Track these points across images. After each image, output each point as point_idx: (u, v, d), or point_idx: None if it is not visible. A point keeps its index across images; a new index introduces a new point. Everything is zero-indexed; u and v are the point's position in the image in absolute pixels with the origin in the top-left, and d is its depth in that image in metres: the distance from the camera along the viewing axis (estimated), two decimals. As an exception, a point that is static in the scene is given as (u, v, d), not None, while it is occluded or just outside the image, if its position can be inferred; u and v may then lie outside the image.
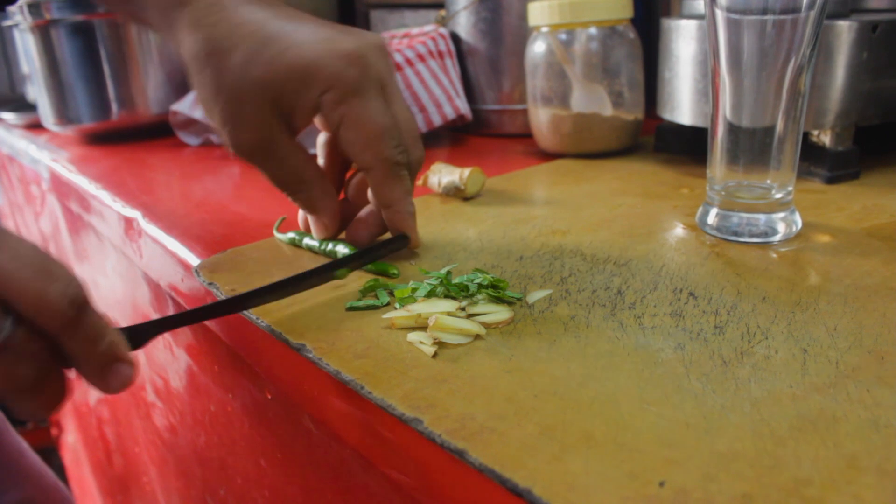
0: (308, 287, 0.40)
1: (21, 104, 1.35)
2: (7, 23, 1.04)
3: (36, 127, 1.15)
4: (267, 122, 0.41)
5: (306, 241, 0.47)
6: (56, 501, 0.84)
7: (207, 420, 0.59)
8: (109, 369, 0.30)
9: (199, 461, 0.64)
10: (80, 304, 0.28)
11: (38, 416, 0.30)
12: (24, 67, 1.30)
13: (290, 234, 0.49)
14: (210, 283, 0.43)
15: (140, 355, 0.75)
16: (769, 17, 0.41)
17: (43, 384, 0.28)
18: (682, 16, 0.61)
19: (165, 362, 0.66)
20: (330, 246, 0.45)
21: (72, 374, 0.31)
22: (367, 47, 0.41)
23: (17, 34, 1.06)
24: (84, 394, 1.07)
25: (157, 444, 0.76)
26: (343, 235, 0.47)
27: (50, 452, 1.29)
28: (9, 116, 1.21)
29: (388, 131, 0.41)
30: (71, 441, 1.26)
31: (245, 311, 0.39)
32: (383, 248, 0.44)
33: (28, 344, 0.27)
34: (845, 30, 0.52)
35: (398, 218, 0.43)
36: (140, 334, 0.34)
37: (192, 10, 0.41)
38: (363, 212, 0.46)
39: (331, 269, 0.41)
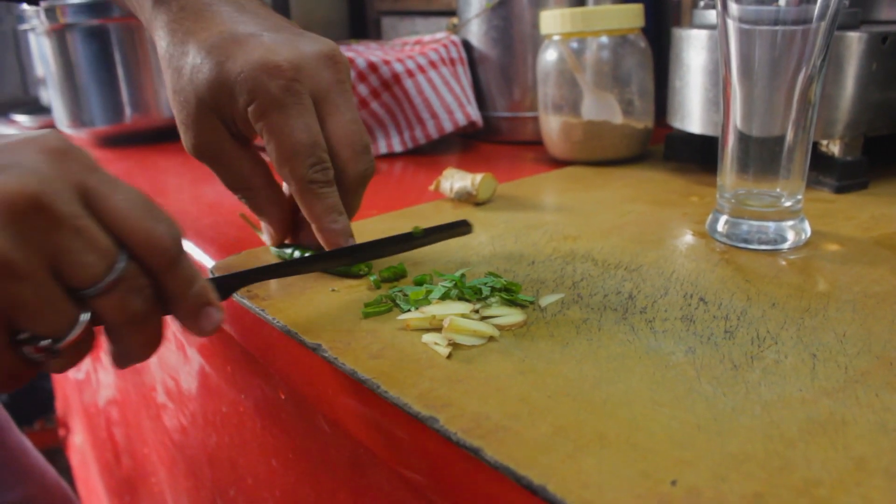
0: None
1: (35, 107, 1.37)
2: (23, 26, 1.05)
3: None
4: (211, 127, 0.42)
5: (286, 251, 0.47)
6: (58, 500, 0.85)
7: (219, 420, 0.60)
8: (202, 311, 0.32)
9: (210, 461, 0.65)
10: (180, 245, 0.30)
11: (138, 358, 0.31)
12: (39, 70, 1.31)
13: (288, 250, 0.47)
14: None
15: (152, 357, 0.75)
16: (780, 28, 0.41)
17: (148, 320, 0.30)
18: (692, 25, 0.61)
19: (177, 363, 0.67)
20: (296, 253, 0.46)
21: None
22: (308, 58, 0.41)
23: (32, 37, 1.07)
24: (93, 395, 1.07)
25: (167, 445, 0.77)
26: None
27: (56, 453, 1.30)
28: (23, 119, 1.22)
29: (306, 149, 0.40)
30: (78, 442, 1.27)
31: (260, 311, 0.40)
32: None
33: (138, 279, 0.29)
34: (855, 41, 0.52)
35: (322, 234, 0.42)
36: (224, 287, 0.37)
37: (165, 12, 0.43)
38: None
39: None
